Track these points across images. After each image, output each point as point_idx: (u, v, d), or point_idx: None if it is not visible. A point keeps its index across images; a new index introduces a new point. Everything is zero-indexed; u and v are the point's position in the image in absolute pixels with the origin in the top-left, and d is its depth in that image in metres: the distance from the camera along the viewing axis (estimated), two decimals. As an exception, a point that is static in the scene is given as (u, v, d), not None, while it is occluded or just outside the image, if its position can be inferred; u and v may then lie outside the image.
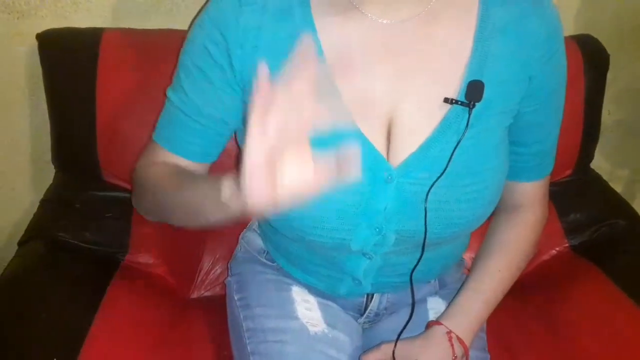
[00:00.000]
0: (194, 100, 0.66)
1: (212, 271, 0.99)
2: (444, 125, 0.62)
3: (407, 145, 0.62)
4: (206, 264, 0.99)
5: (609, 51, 1.02)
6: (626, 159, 1.32)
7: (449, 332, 0.70)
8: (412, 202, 0.62)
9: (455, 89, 0.62)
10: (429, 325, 0.72)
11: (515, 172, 0.72)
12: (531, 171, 0.74)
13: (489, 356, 0.77)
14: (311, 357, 0.68)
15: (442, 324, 0.70)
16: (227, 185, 0.50)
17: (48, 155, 0.99)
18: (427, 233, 0.63)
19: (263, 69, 0.42)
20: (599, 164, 1.15)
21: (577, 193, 1.05)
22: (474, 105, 0.60)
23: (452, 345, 0.69)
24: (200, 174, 0.67)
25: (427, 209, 0.62)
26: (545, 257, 1.01)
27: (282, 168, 0.42)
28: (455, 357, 0.69)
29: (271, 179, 0.42)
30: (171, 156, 0.69)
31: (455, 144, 0.61)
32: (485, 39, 0.62)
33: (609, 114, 1.21)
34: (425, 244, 0.64)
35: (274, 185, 0.42)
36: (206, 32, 0.63)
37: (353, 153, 0.43)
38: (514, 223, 0.76)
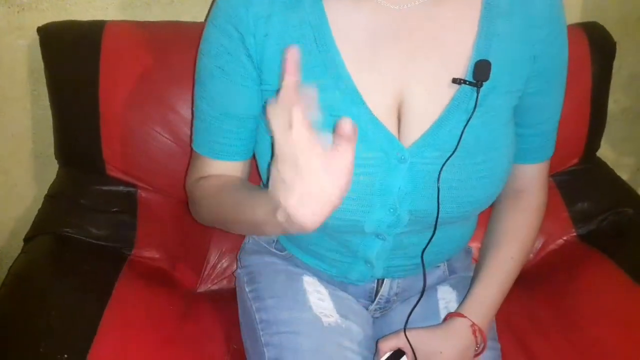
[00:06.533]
0: (221, 103, 0.67)
1: (219, 264, 0.99)
2: (453, 105, 0.63)
3: (417, 125, 0.63)
4: (212, 257, 0.99)
5: (615, 39, 1.02)
6: (632, 147, 1.31)
7: (473, 325, 0.70)
8: (425, 181, 0.63)
9: (463, 70, 0.63)
10: (450, 316, 0.72)
11: (519, 154, 0.73)
12: (535, 152, 0.75)
13: (499, 346, 0.77)
14: (326, 348, 0.68)
15: (465, 317, 0.70)
16: (281, 213, 0.50)
17: (50, 150, 0.98)
18: (440, 212, 0.64)
19: (293, 54, 0.44)
20: (604, 152, 1.14)
21: (583, 182, 1.05)
22: (481, 85, 0.62)
23: (475, 337, 0.69)
24: (251, 191, 0.66)
25: (440, 188, 0.63)
26: (553, 246, 1.01)
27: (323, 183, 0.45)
28: (477, 346, 0.69)
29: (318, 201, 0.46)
30: (214, 163, 0.71)
31: (465, 123, 0.62)
32: (491, 20, 0.63)
33: (614, 102, 1.20)
34: (438, 223, 0.65)
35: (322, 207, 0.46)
36: (219, 28, 0.64)
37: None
38: (520, 208, 0.77)
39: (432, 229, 0.66)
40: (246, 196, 0.62)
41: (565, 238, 1.01)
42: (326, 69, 0.61)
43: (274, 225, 0.52)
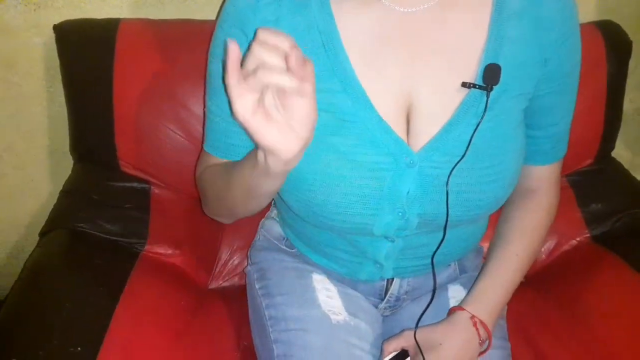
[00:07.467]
0: (228, 105, 0.66)
1: (230, 261, 0.99)
2: (463, 109, 0.63)
3: (426, 129, 0.63)
4: (224, 254, 0.99)
5: (630, 38, 1.01)
6: (647, 148, 1.30)
7: (473, 317, 0.70)
8: (434, 185, 0.63)
9: (472, 73, 0.63)
10: (452, 311, 0.72)
11: (530, 155, 0.73)
12: (546, 154, 0.75)
13: (509, 345, 0.76)
14: (334, 346, 0.68)
15: (464, 309, 0.71)
16: (259, 152, 0.53)
17: (66, 147, 0.99)
18: (449, 216, 0.64)
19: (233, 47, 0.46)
20: (619, 152, 1.13)
21: (598, 182, 1.04)
22: (491, 89, 0.61)
23: (477, 329, 0.69)
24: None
25: (449, 192, 0.63)
26: (566, 247, 1.00)
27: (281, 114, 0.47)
28: (482, 341, 0.69)
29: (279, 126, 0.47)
30: (221, 161, 0.71)
31: (475, 127, 0.62)
32: (501, 23, 0.62)
33: (630, 101, 1.19)
34: (447, 226, 0.65)
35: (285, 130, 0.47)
36: (227, 31, 0.65)
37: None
38: (530, 207, 0.77)
39: (442, 231, 0.66)
40: (235, 164, 0.64)
41: (578, 239, 1.00)
42: (334, 73, 0.61)
43: (259, 172, 0.54)
